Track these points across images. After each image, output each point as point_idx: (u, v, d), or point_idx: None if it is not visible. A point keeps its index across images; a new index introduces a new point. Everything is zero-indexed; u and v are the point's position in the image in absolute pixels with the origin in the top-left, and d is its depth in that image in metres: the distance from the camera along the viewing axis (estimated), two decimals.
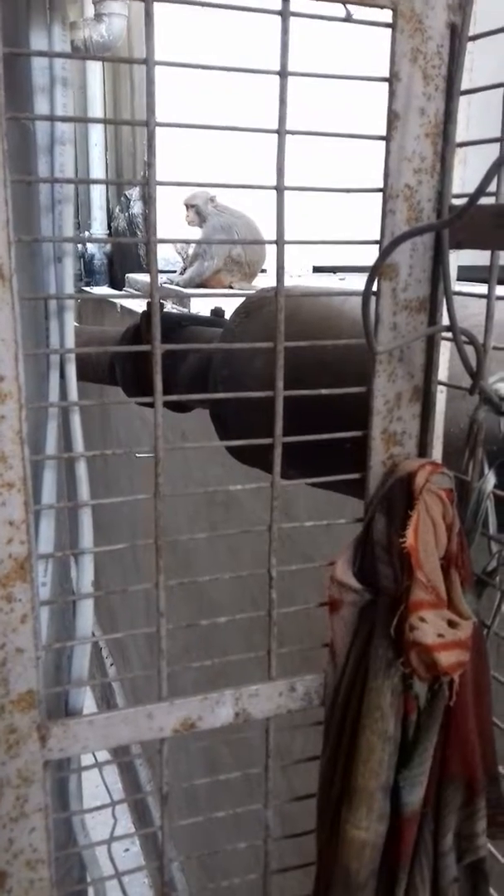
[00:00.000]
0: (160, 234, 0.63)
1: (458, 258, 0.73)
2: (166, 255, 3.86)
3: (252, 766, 0.80)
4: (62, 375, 0.81)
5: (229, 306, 1.18)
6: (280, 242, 0.67)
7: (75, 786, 0.87)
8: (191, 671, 0.76)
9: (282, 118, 0.64)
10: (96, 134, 4.89)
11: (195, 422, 1.44)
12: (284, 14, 0.63)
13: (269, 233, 0.68)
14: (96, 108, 4.74)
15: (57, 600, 0.81)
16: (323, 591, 0.74)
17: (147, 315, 0.63)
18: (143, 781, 3.42)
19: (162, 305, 0.68)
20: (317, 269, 4.27)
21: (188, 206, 3.18)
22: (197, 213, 3.20)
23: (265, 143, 0.67)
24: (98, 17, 3.25)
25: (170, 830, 0.77)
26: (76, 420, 0.80)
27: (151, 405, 0.66)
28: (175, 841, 0.78)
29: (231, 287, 3.22)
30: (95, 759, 0.87)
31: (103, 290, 4.73)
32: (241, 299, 1.08)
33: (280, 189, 0.65)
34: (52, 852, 0.70)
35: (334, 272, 4.11)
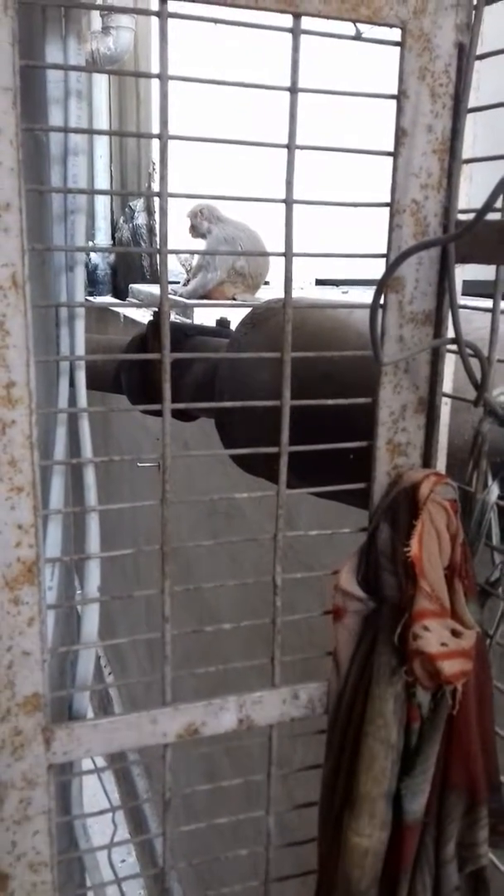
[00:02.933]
0: (168, 246, 0.64)
1: (464, 273, 0.74)
2: (170, 267, 3.88)
3: (250, 775, 0.80)
4: (71, 383, 0.82)
5: (233, 317, 1.19)
6: (288, 255, 0.68)
7: (77, 790, 0.88)
8: (191, 681, 0.77)
9: (292, 133, 0.66)
10: (101, 146, 4.92)
11: (198, 432, 1.45)
12: (295, 32, 0.64)
13: (272, 245, 0.69)
14: (102, 121, 4.77)
15: (64, 604, 0.81)
16: (324, 601, 0.75)
17: (154, 324, 0.64)
18: (141, 792, 3.41)
19: (168, 315, 0.69)
20: (320, 282, 4.29)
21: (192, 217, 3.20)
22: (202, 223, 3.21)
23: (272, 156, 0.68)
24: (105, 29, 3.28)
25: (170, 841, 0.77)
26: (85, 427, 0.81)
27: (159, 413, 0.67)
28: (172, 853, 0.78)
29: (234, 299, 3.23)
30: (94, 764, 0.88)
31: (107, 300, 4.75)
32: (246, 311, 1.09)
33: (289, 202, 0.66)
34: (54, 856, 0.71)
35: (337, 285, 4.13)
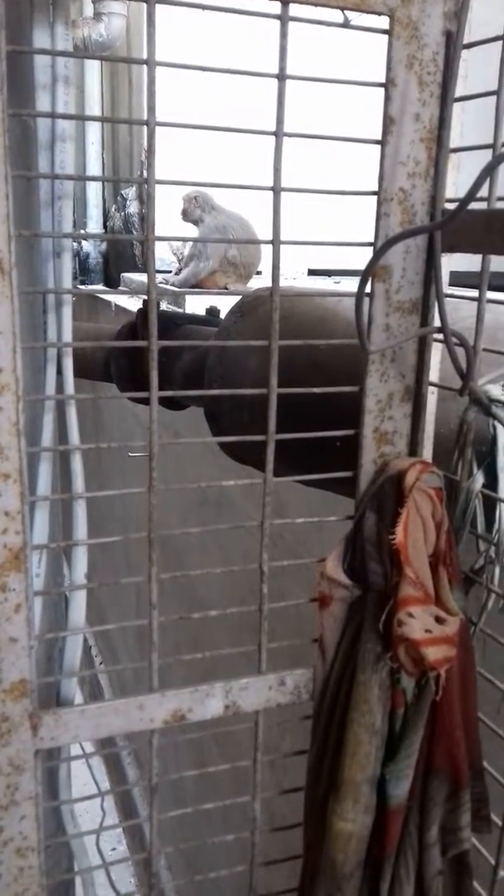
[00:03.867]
0: (157, 232, 0.64)
1: (451, 263, 0.74)
2: (161, 256, 3.86)
3: (239, 761, 0.81)
4: (59, 371, 0.82)
5: (224, 306, 1.19)
6: (276, 242, 0.68)
7: (65, 775, 0.88)
8: (179, 669, 0.77)
9: (279, 120, 0.66)
10: (93, 132, 4.89)
11: (188, 421, 1.45)
12: (283, 18, 0.64)
13: (264, 234, 0.69)
14: (94, 107, 4.74)
15: (51, 591, 0.82)
16: (312, 590, 0.75)
17: (144, 313, 0.64)
18: (131, 780, 3.42)
19: (157, 304, 0.69)
20: (312, 272, 4.28)
21: (185, 201, 3.18)
22: (194, 210, 3.20)
23: (263, 143, 0.68)
24: (97, 16, 3.25)
25: (157, 826, 0.78)
26: (72, 414, 0.81)
27: (147, 401, 0.67)
28: (161, 839, 0.79)
29: (226, 288, 3.22)
30: (83, 749, 0.88)
31: (98, 288, 4.73)
32: (236, 299, 1.09)
33: (277, 190, 0.66)
34: (41, 841, 0.71)
35: (329, 275, 4.12)
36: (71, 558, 0.83)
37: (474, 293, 0.71)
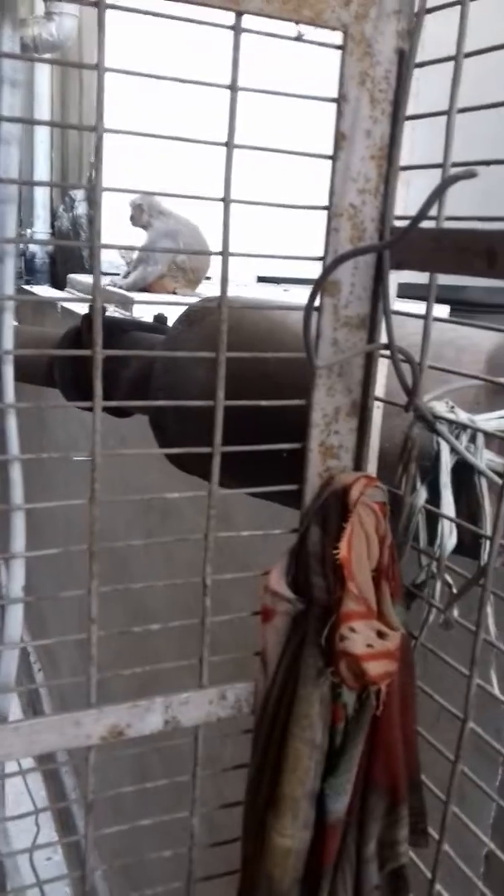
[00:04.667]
0: (105, 235, 0.63)
1: (400, 276, 0.74)
2: (110, 258, 3.83)
3: (183, 773, 0.80)
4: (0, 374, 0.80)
5: (173, 314, 1.18)
6: (225, 254, 0.67)
7: None
8: (121, 679, 0.76)
9: (231, 131, 0.65)
10: (42, 132, 4.81)
11: (135, 426, 1.43)
12: (237, 29, 0.64)
13: (214, 240, 0.69)
14: (43, 106, 4.67)
15: None
16: (257, 600, 0.75)
17: (89, 318, 0.63)
18: (69, 789, 3.36)
19: (104, 310, 0.68)
20: (261, 279, 4.29)
21: (134, 206, 3.16)
22: (143, 213, 3.18)
23: (219, 152, 0.68)
24: (48, 15, 3.21)
25: (94, 839, 0.76)
26: (12, 423, 0.79)
27: (91, 410, 0.66)
28: (100, 849, 0.77)
29: (175, 293, 3.21)
30: (20, 766, 0.86)
31: (44, 289, 4.66)
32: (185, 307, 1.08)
33: (227, 201, 0.66)
34: None
35: (278, 283, 4.14)
36: (9, 570, 0.81)
37: (421, 307, 0.72)
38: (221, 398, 0.70)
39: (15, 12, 0.69)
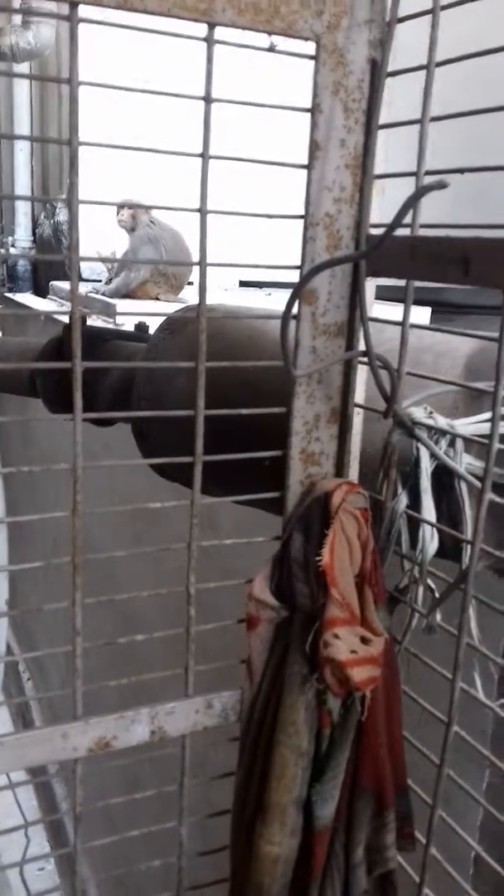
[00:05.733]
0: (84, 241, 0.63)
1: (378, 279, 0.75)
2: (91, 264, 3.82)
3: (173, 780, 0.80)
4: None
5: (154, 322, 1.18)
6: (203, 264, 0.68)
7: None
8: (110, 686, 0.76)
9: (206, 142, 0.65)
10: (22, 140, 4.80)
11: (119, 433, 1.43)
12: (209, 41, 0.64)
13: (195, 246, 0.69)
14: (23, 116, 4.65)
15: None
16: (243, 604, 0.75)
17: (70, 329, 0.63)
18: (59, 798, 3.34)
19: (84, 319, 0.68)
20: (244, 284, 4.30)
21: (124, 207, 3.15)
22: (128, 219, 3.18)
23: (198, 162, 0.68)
24: (25, 24, 3.20)
25: (86, 849, 0.76)
26: None
27: (72, 421, 0.66)
28: (91, 858, 0.77)
29: (158, 299, 3.21)
30: (9, 779, 0.86)
31: (27, 296, 4.64)
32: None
33: (203, 212, 0.66)
34: None
35: (261, 287, 4.15)
36: None
37: (398, 311, 0.72)
38: (202, 407, 0.70)
39: None
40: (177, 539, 0.74)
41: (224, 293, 3.68)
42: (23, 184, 4.84)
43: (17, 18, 3.19)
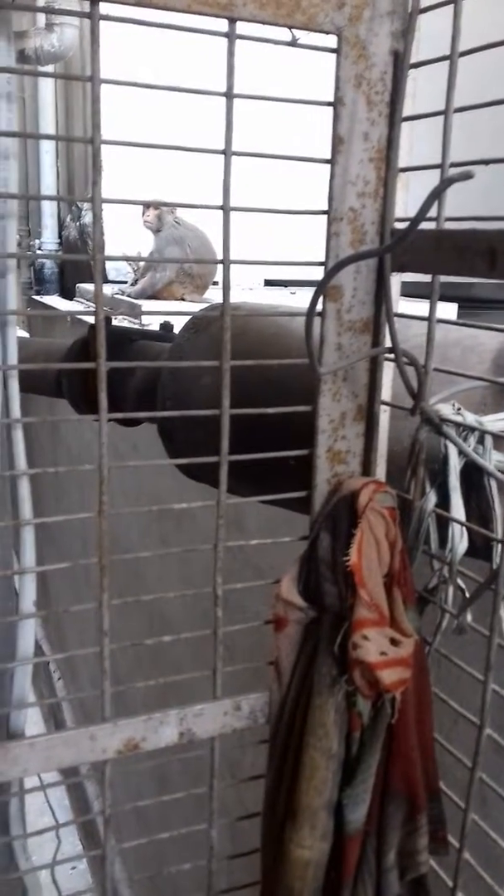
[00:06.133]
0: (110, 242, 0.63)
1: (404, 275, 0.74)
2: (117, 266, 3.84)
3: (202, 781, 0.79)
4: (6, 389, 0.80)
5: (179, 321, 1.18)
6: (226, 262, 0.67)
7: (16, 809, 0.85)
8: (141, 682, 0.76)
9: (228, 139, 0.65)
10: (48, 142, 4.84)
11: (147, 433, 1.44)
12: (230, 36, 0.63)
13: (221, 246, 0.68)
14: (48, 117, 4.69)
15: None
16: (270, 602, 0.74)
17: (95, 329, 0.63)
18: (91, 797, 3.36)
19: (110, 320, 0.67)
20: (268, 283, 4.29)
21: (149, 207, 3.16)
22: (155, 219, 3.18)
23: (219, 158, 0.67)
24: (49, 26, 3.22)
25: (118, 850, 0.76)
26: (19, 437, 0.79)
27: (98, 421, 0.66)
28: (123, 857, 0.77)
29: (183, 299, 3.21)
30: (41, 780, 0.86)
31: (53, 299, 4.68)
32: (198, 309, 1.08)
33: (226, 209, 0.66)
34: None
35: (286, 286, 4.14)
36: (20, 584, 0.81)
37: (424, 307, 0.71)
38: (227, 407, 0.70)
39: (9, 26, 0.69)
40: (203, 539, 0.73)
41: (248, 292, 3.68)
42: (48, 186, 4.88)
43: (41, 21, 3.20)
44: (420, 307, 0.74)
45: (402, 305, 0.74)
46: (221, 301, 0.69)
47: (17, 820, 0.86)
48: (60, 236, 4.99)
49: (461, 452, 0.68)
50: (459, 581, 0.71)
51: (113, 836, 0.76)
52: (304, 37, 0.68)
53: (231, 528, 0.72)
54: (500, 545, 0.64)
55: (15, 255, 0.67)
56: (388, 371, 0.75)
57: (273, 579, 0.75)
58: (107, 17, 0.61)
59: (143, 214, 3.17)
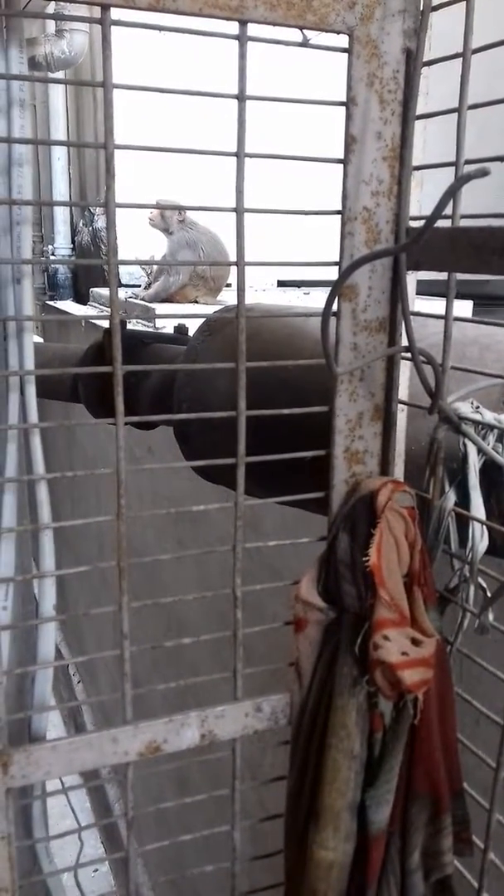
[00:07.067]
0: (123, 246, 0.63)
1: (419, 273, 0.73)
2: (131, 270, 3.85)
3: (223, 783, 0.79)
4: (23, 394, 0.80)
5: (194, 324, 1.18)
6: (241, 264, 0.67)
7: (39, 812, 0.86)
8: (159, 683, 0.76)
9: (240, 141, 0.65)
10: (59, 148, 4.87)
11: (162, 436, 1.44)
12: (242, 39, 0.63)
13: (233, 248, 0.68)
14: (59, 124, 4.71)
15: (17, 625, 0.80)
16: (289, 604, 0.74)
17: (110, 333, 0.63)
18: (112, 800, 3.37)
19: (124, 323, 0.68)
20: (281, 284, 4.29)
21: (158, 209, 3.17)
22: (168, 219, 3.19)
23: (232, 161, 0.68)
24: (59, 32, 3.24)
25: (139, 852, 0.76)
26: (36, 442, 0.80)
27: (114, 425, 0.66)
28: (145, 859, 0.77)
29: (196, 302, 3.22)
30: (62, 783, 0.86)
31: (67, 304, 4.70)
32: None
33: (239, 211, 0.66)
34: (15, 881, 0.69)
35: (299, 286, 4.13)
36: (40, 588, 0.81)
37: (441, 305, 0.71)
38: (243, 408, 0.69)
39: (21, 34, 0.69)
40: (220, 541, 0.73)
41: (262, 294, 3.68)
42: (61, 192, 4.91)
43: (51, 27, 3.22)
44: (435, 305, 0.73)
45: (417, 304, 0.73)
46: (235, 303, 0.69)
47: (39, 823, 0.86)
48: (73, 242, 5.02)
49: (480, 451, 0.68)
50: (480, 580, 0.71)
51: (136, 837, 0.76)
52: (315, 37, 0.68)
53: (247, 529, 0.72)
54: None
55: (32, 260, 0.67)
56: (405, 370, 0.74)
57: (290, 581, 0.75)
58: (118, 23, 0.61)
59: (150, 218, 3.18)
